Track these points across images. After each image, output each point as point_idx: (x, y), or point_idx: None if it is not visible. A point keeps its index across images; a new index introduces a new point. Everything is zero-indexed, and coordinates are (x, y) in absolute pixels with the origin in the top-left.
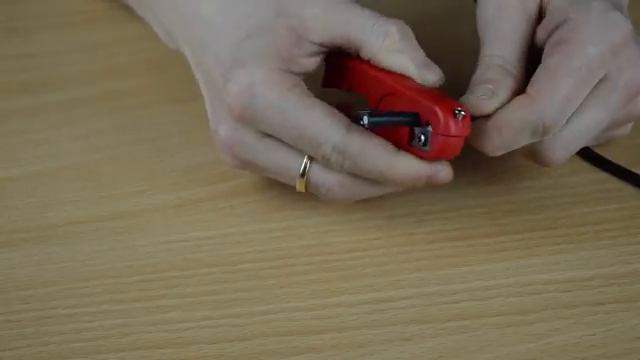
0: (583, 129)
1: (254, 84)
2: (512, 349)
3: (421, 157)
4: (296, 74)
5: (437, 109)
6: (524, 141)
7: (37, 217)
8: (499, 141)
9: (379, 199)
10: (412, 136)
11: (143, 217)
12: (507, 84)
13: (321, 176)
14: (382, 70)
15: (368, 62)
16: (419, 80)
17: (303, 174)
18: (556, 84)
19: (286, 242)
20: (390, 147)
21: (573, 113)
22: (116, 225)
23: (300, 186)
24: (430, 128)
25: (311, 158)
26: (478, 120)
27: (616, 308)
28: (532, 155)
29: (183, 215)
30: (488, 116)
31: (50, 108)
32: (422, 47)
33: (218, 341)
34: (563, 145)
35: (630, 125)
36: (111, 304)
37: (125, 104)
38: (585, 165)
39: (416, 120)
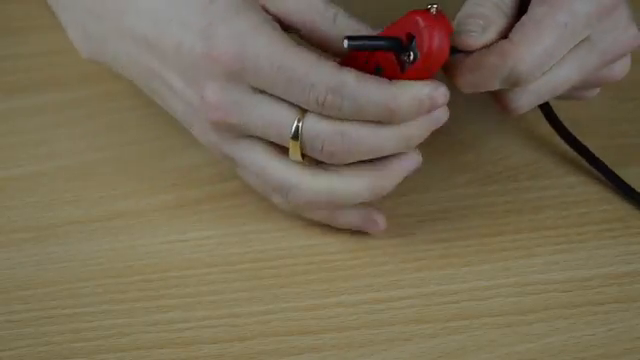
0: (553, 85)
1: (242, 33)
2: (512, 349)
3: (415, 72)
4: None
5: (414, 15)
6: (495, 86)
7: (37, 217)
8: (471, 80)
9: (379, 198)
10: (401, 64)
11: (143, 217)
12: (498, 23)
13: (317, 127)
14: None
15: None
16: None
17: (296, 135)
18: (538, 37)
19: (286, 242)
20: (386, 80)
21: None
22: (116, 225)
23: (294, 149)
24: (414, 41)
25: (304, 112)
26: (458, 53)
27: (616, 308)
28: (497, 99)
29: (183, 215)
30: (469, 52)
31: (50, 108)
32: None
33: (218, 341)
34: (529, 97)
35: (597, 91)
36: (111, 304)
37: (125, 104)
38: (585, 165)
39: (398, 43)
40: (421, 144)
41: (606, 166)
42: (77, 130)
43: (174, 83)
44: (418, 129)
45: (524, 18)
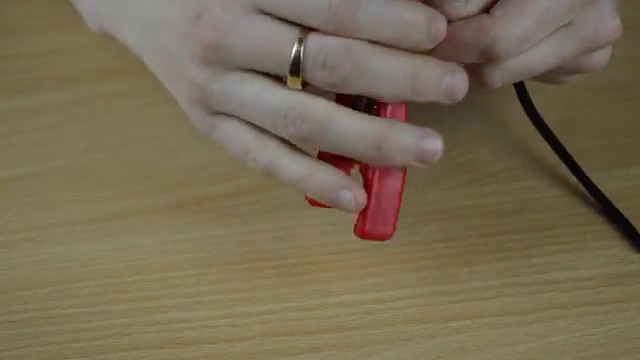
0: (528, 65)
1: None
2: (512, 349)
3: None
4: None
5: None
6: (469, 60)
7: (37, 217)
8: (447, 50)
9: None
10: None
11: (143, 217)
12: None
13: (321, 42)
14: None
15: None
16: None
17: (297, 58)
18: (519, 17)
19: (286, 242)
20: None
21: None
22: (116, 225)
23: (293, 78)
24: None
25: (308, 32)
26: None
27: (616, 308)
28: (472, 71)
29: (183, 215)
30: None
31: (50, 108)
32: None
33: (218, 341)
34: (504, 74)
35: (575, 78)
36: (111, 304)
37: (125, 104)
38: (585, 165)
39: None
40: None
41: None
42: (77, 130)
43: (171, 14)
44: (434, 65)
45: None
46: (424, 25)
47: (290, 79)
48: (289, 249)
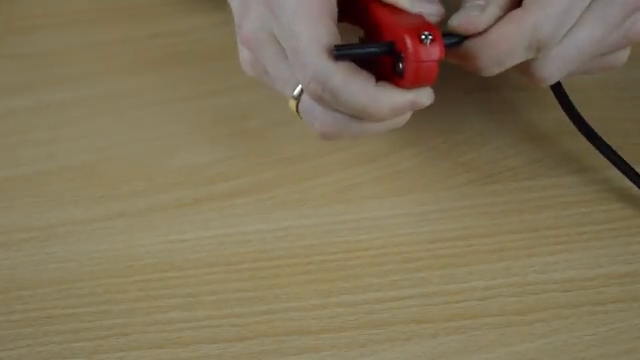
0: (578, 46)
1: None
2: (512, 349)
3: (401, 85)
4: None
5: (404, 36)
6: (519, 57)
7: (37, 217)
8: (494, 57)
9: (379, 198)
10: (394, 65)
11: (143, 217)
12: (498, 0)
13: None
14: (376, 1)
15: None
16: (408, 8)
17: (298, 96)
18: None
19: (286, 242)
20: (372, 82)
21: (568, 29)
22: (116, 225)
23: (291, 104)
24: (403, 55)
25: None
26: (471, 39)
27: (616, 308)
28: (525, 72)
29: (183, 215)
30: (481, 34)
31: (50, 108)
32: None
33: (218, 341)
34: (556, 63)
35: (626, 54)
36: (111, 304)
37: (125, 104)
38: (585, 165)
39: (389, 49)
40: (422, 144)
41: (624, 160)
42: (77, 130)
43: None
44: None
45: None
46: (391, 116)
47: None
48: (289, 249)
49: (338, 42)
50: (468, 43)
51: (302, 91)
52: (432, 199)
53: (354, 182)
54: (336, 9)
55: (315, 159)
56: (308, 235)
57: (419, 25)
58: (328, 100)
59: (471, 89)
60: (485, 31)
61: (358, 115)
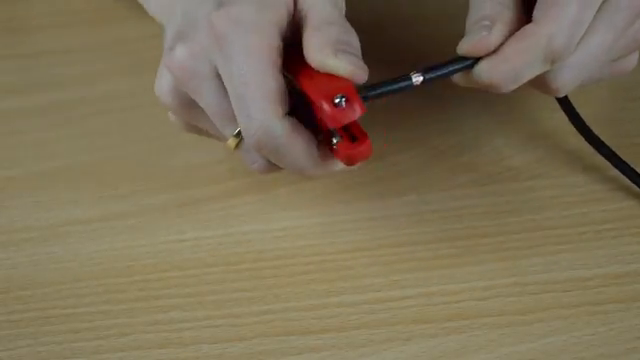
0: (591, 53)
1: (242, 20)
2: (512, 349)
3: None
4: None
5: (318, 103)
6: (536, 70)
7: (37, 217)
8: (511, 73)
9: (379, 198)
10: (329, 136)
11: (143, 217)
12: (504, 17)
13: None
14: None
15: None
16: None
17: (238, 135)
18: (562, 8)
19: (286, 242)
20: (314, 145)
21: (580, 38)
22: (116, 225)
23: (231, 142)
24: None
25: None
26: (485, 59)
27: (615, 308)
28: (540, 84)
29: (183, 215)
30: (494, 52)
31: (50, 108)
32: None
33: (218, 341)
34: (571, 72)
35: (636, 57)
36: (111, 304)
37: (125, 104)
38: (585, 165)
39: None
40: (422, 144)
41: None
42: (77, 130)
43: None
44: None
45: None
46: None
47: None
48: (289, 249)
49: (285, 97)
50: (483, 64)
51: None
52: (432, 199)
53: (354, 182)
54: (280, 62)
55: None
56: (308, 235)
57: (332, 89)
58: (268, 154)
59: (471, 89)
60: (498, 49)
61: (294, 171)
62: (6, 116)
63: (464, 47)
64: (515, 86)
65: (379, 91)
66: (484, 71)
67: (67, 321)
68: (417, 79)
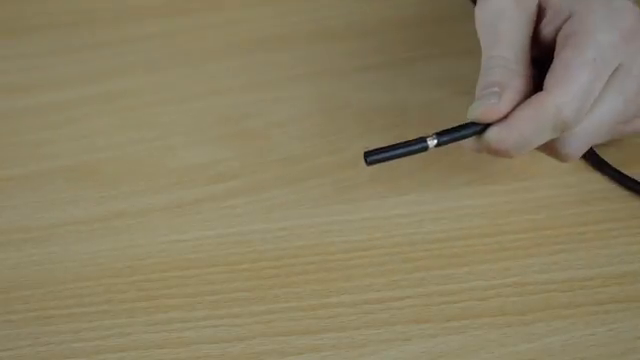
0: (601, 120)
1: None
2: (512, 349)
3: None
4: None
5: None
6: (546, 137)
7: (37, 217)
8: (520, 140)
9: (379, 198)
10: None
11: (143, 217)
12: (513, 84)
13: None
14: None
15: None
16: None
17: None
18: (572, 77)
19: (286, 242)
20: None
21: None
22: (116, 225)
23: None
24: None
25: None
26: (496, 125)
27: (616, 308)
28: (550, 150)
29: (183, 215)
30: (505, 118)
31: (50, 108)
32: (425, 46)
33: (218, 341)
34: (580, 139)
35: None
36: (111, 304)
37: (125, 104)
38: (585, 165)
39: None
40: None
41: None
42: (77, 130)
43: None
44: None
45: (553, 65)
46: None
47: None
48: (289, 249)
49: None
50: (493, 130)
51: None
52: (432, 199)
53: (354, 182)
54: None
55: (315, 159)
56: (308, 235)
57: None
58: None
59: (471, 89)
60: (508, 115)
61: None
62: (6, 116)
63: (474, 113)
64: (524, 152)
65: (394, 153)
66: (494, 137)
67: (67, 321)
68: (432, 142)
